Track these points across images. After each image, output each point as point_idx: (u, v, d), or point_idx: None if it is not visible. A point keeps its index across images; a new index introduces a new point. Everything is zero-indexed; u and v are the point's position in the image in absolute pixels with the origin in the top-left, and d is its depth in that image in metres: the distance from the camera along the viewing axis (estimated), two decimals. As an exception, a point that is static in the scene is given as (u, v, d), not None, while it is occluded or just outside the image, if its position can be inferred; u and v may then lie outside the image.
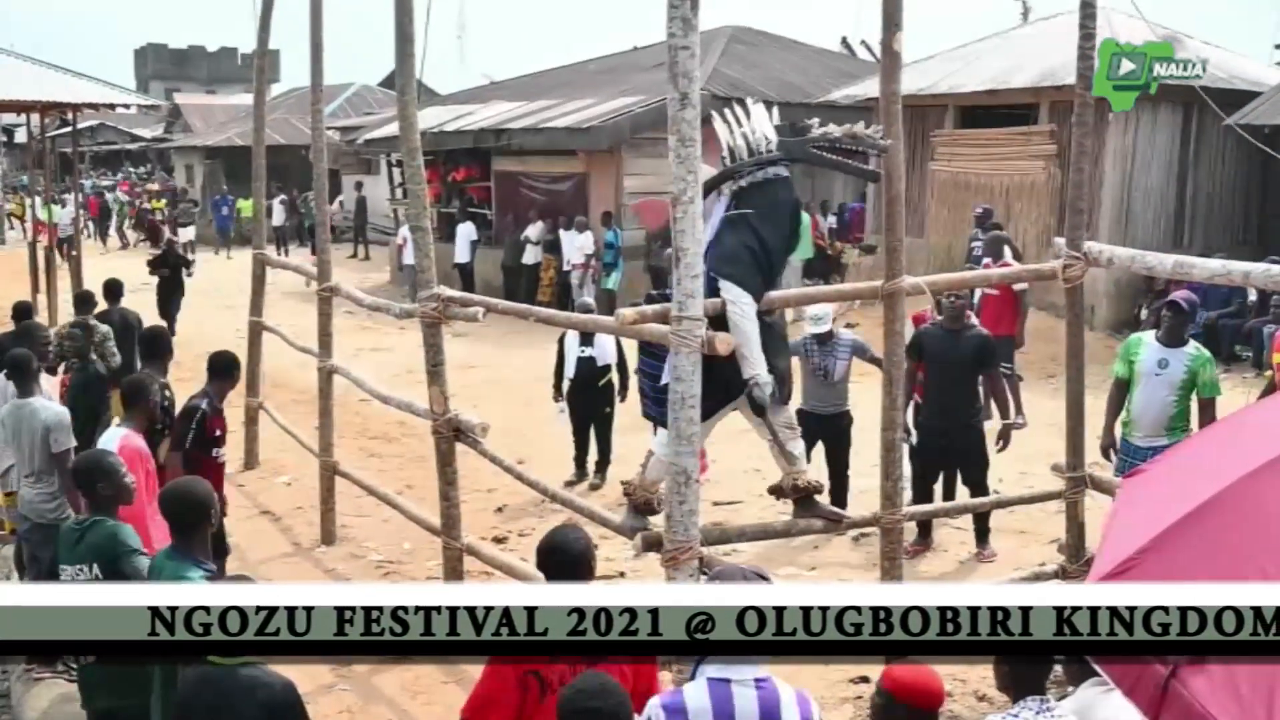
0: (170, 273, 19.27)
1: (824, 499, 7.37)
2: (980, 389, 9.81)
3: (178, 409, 8.68)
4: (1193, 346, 8.44)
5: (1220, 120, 17.37)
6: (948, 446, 9.56)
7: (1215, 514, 3.56)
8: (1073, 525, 7.68)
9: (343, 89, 44.65)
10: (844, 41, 35.65)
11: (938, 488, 9.74)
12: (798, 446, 6.95)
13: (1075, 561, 7.57)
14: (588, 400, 11.86)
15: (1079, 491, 7.61)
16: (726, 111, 6.65)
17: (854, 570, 9.45)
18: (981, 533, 9.72)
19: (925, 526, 9.82)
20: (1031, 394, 13.79)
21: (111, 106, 21.43)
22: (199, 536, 5.32)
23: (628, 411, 11.85)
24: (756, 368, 6.34)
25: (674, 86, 5.26)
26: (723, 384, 6.21)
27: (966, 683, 7.39)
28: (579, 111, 23.12)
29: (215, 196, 38.29)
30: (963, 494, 9.58)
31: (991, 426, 9.89)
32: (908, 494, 9.26)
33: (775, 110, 6.85)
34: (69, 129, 22.93)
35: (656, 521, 6.46)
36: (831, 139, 6.58)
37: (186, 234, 32.86)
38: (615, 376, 11.86)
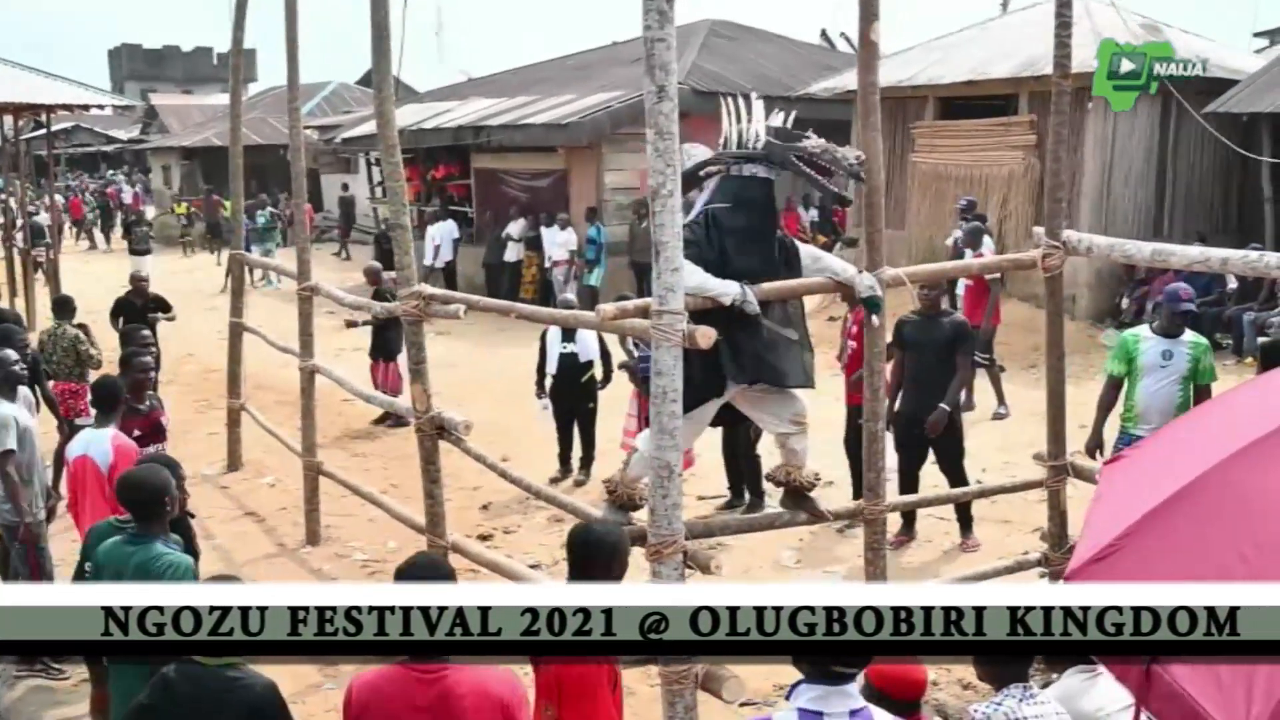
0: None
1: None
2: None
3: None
4: (1190, 335, 8.50)
5: (1199, 108, 17.42)
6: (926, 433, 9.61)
7: (1196, 498, 3.57)
8: (1055, 514, 7.70)
9: (320, 87, 44.53)
10: (823, 34, 35.61)
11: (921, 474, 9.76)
12: (801, 442, 6.92)
13: (1058, 549, 7.58)
14: (571, 396, 11.86)
15: (1061, 480, 7.64)
16: (731, 102, 6.65)
17: (839, 562, 9.47)
18: (965, 522, 9.76)
19: (909, 517, 9.85)
20: (1013, 384, 13.86)
21: (86, 108, 21.29)
22: (158, 520, 5.54)
23: (611, 407, 11.86)
24: (729, 290, 6.10)
25: (650, 79, 5.25)
26: (703, 377, 6.16)
27: (951, 671, 7.42)
28: (558, 107, 23.08)
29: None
30: (942, 483, 9.60)
31: (972, 418, 9.92)
32: (893, 485, 9.32)
33: (785, 115, 6.81)
34: (44, 131, 22.71)
35: (640, 517, 6.46)
36: (811, 153, 6.55)
37: (140, 264, 24.80)
38: (599, 370, 11.86)
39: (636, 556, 5.96)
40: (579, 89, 24.04)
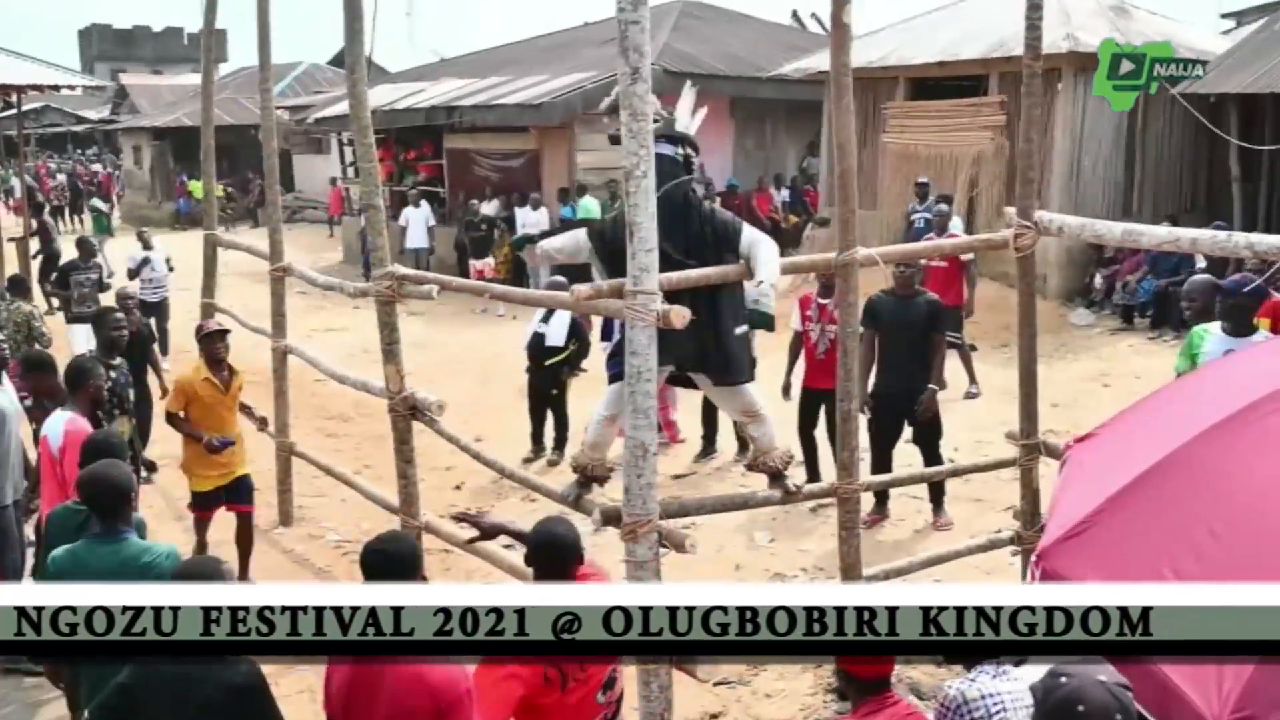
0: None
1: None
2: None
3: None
4: (1262, 335, 7.70)
5: (1167, 89, 17.52)
6: (905, 411, 9.64)
7: (1165, 476, 3.60)
8: (1027, 492, 7.74)
9: (291, 68, 44.22)
10: (794, 15, 35.57)
11: (895, 454, 9.79)
12: (759, 429, 6.92)
13: (1030, 528, 7.62)
14: (539, 378, 11.87)
15: (1033, 459, 7.67)
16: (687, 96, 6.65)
17: (812, 540, 9.51)
18: (937, 500, 9.81)
19: (882, 496, 9.88)
20: (984, 363, 13.93)
21: (56, 88, 21.07)
22: (124, 516, 5.34)
23: (588, 386, 11.85)
24: (564, 246, 6.57)
25: (624, 61, 5.24)
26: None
27: (924, 649, 7.45)
28: (530, 88, 23.03)
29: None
30: (914, 462, 9.65)
31: (943, 397, 9.95)
32: (863, 465, 9.35)
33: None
34: (13, 111, 22.51)
35: (615, 496, 6.47)
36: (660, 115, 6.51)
37: (70, 332, 15.24)
38: (572, 349, 11.85)
39: (611, 536, 5.99)
40: (551, 69, 23.98)
